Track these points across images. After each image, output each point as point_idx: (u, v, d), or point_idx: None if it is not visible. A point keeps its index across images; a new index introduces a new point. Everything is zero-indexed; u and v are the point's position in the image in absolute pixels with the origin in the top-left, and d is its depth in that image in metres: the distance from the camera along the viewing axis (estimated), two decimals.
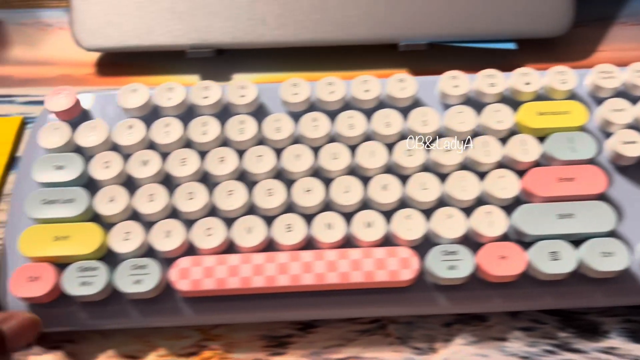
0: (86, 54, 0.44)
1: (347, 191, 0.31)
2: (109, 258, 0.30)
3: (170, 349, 0.30)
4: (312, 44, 0.41)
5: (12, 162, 0.38)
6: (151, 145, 0.33)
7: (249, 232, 0.30)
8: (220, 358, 0.30)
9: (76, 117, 0.34)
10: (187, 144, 0.33)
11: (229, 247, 0.30)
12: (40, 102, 0.41)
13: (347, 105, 0.34)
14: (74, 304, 0.29)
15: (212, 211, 0.31)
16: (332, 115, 0.33)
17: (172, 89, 0.34)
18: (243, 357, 0.30)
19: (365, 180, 0.31)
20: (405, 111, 0.33)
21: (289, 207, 0.31)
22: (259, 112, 0.34)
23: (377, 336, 0.31)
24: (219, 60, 0.43)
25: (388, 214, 0.30)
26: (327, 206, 0.31)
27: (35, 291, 0.28)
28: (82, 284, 0.29)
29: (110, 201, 0.30)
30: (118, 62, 0.44)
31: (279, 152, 0.32)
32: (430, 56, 0.42)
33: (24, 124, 0.40)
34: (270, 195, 0.30)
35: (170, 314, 0.29)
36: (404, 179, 0.31)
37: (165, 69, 0.43)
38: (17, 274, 0.29)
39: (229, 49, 0.41)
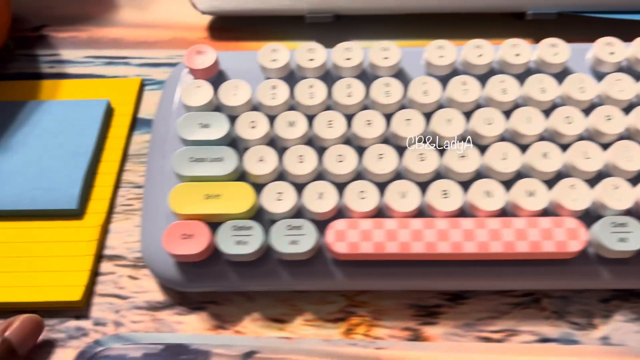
0: (197, 17, 0.43)
1: (505, 158, 0.29)
2: (259, 218, 0.29)
3: (316, 314, 0.30)
4: (433, 11, 0.39)
5: (134, 123, 0.38)
6: (292, 107, 0.32)
7: (403, 196, 0.29)
8: (369, 325, 0.29)
9: (213, 76, 0.33)
10: (330, 106, 0.32)
11: (379, 212, 0.29)
12: (156, 65, 0.41)
13: (493, 70, 0.33)
14: (224, 264, 0.29)
15: (360, 175, 0.30)
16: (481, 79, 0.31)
17: (312, 50, 0.33)
18: (392, 325, 0.29)
19: (522, 147, 0.30)
20: (556, 78, 0.31)
21: (441, 174, 0.30)
22: (400, 76, 0.33)
23: (531, 310, 0.29)
24: (334, 27, 0.42)
25: (548, 183, 0.29)
26: (483, 173, 0.30)
27: (189, 249, 0.28)
28: (237, 242, 0.28)
29: (260, 161, 0.30)
30: (230, 27, 0.43)
31: (428, 115, 0.31)
32: (557, 26, 0.40)
33: (142, 85, 0.40)
34: (422, 160, 0.29)
35: (320, 278, 0.29)
36: (562, 147, 0.29)
37: (278, 34, 0.42)
38: (169, 231, 0.28)
39: (347, 14, 0.40)
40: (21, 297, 0.30)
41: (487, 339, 0.29)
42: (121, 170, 0.35)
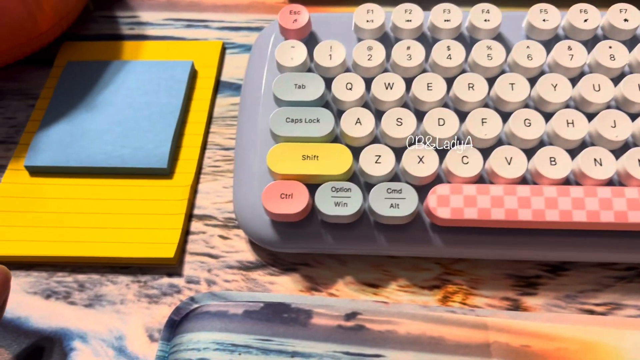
0: None
1: (614, 126, 0.28)
2: (354, 180, 0.29)
3: (410, 281, 0.29)
4: None
5: (217, 85, 0.37)
6: (386, 69, 0.31)
7: (509, 162, 0.28)
8: (466, 293, 0.29)
9: (305, 37, 0.33)
10: (426, 69, 0.31)
11: (480, 179, 0.28)
12: (235, 29, 0.40)
13: (597, 36, 0.31)
14: (320, 225, 0.29)
15: (460, 139, 0.29)
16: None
17: (410, 11, 0.32)
18: (490, 295, 0.28)
19: (632, 116, 0.28)
20: None
21: (547, 140, 0.29)
22: (499, 40, 0.32)
23: (636, 284, 0.28)
24: None
25: None
26: (591, 141, 0.28)
27: (289, 208, 0.27)
28: (336, 204, 0.27)
29: (357, 123, 0.29)
30: None
31: (531, 81, 0.30)
32: None
33: (224, 48, 0.39)
34: (528, 126, 0.28)
35: (418, 244, 0.28)
36: None
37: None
38: (269, 190, 0.28)
39: None
40: (116, 253, 0.30)
41: (591, 312, 0.28)
42: (207, 132, 0.35)
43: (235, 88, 0.37)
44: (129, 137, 0.33)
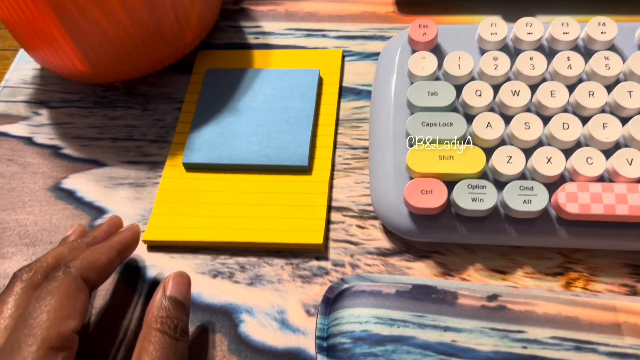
0: None
1: None
2: (485, 178, 0.32)
3: (535, 268, 0.32)
4: None
5: (340, 90, 0.41)
6: (509, 77, 0.34)
7: (630, 163, 0.31)
8: (586, 280, 0.32)
9: (432, 47, 0.36)
10: (546, 77, 0.34)
11: (600, 178, 0.32)
12: (352, 37, 0.44)
13: None
14: (455, 218, 0.32)
15: (579, 142, 0.32)
16: None
17: (530, 25, 0.35)
18: (609, 281, 0.32)
19: None
20: None
21: None
22: (614, 50, 0.34)
23: None
24: (519, 1, 0.44)
25: None
26: None
27: (429, 203, 0.31)
28: (473, 199, 0.31)
29: (488, 127, 0.32)
30: (416, 1, 0.46)
31: None
32: None
33: (343, 56, 0.43)
34: None
35: (546, 235, 0.31)
36: None
37: (463, 9, 0.44)
38: (410, 186, 0.32)
39: None
40: (271, 239, 0.34)
41: None
42: (336, 133, 0.39)
43: (356, 93, 0.41)
44: (272, 139, 0.38)
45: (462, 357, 0.27)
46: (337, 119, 0.40)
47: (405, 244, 0.34)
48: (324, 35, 0.45)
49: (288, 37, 0.45)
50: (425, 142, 0.33)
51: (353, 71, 0.42)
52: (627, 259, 0.32)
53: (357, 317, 0.29)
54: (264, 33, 0.46)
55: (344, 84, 0.42)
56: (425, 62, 0.35)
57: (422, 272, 0.33)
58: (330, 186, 0.37)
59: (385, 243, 0.34)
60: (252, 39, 0.45)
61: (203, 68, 0.43)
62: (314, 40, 0.44)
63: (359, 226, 0.35)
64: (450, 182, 0.32)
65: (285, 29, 0.46)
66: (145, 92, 0.43)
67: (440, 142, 0.33)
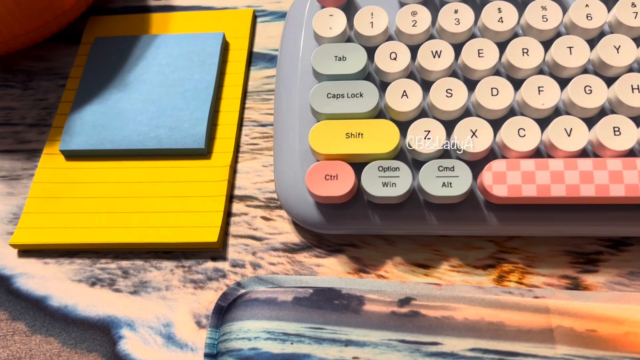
0: None
1: None
2: (402, 158, 0.27)
3: (463, 260, 0.28)
4: None
5: (250, 57, 0.36)
6: (433, 35, 0.29)
7: (569, 134, 0.26)
8: (522, 272, 0.27)
9: (342, 4, 0.31)
10: (476, 33, 0.29)
11: (537, 152, 0.27)
12: None
13: None
14: (367, 206, 0.27)
15: (513, 110, 0.27)
16: None
17: None
18: (548, 273, 0.27)
19: None
20: None
21: (610, 108, 0.27)
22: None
23: None
24: None
25: None
26: None
27: (335, 190, 0.26)
28: (384, 184, 0.26)
29: (403, 96, 0.27)
30: None
31: (591, 43, 0.27)
32: None
33: (255, 16, 0.37)
34: (589, 93, 0.26)
35: (472, 222, 0.27)
36: None
37: None
38: (312, 171, 0.27)
39: None
40: (159, 238, 0.29)
41: None
42: (242, 107, 0.34)
43: (269, 59, 0.36)
44: (164, 117, 0.32)
45: None
46: (245, 91, 0.34)
47: (316, 237, 0.29)
48: None
49: None
50: (333, 118, 0.28)
51: (266, 34, 0.37)
52: (569, 246, 0.28)
53: (246, 332, 0.24)
54: None
55: (255, 49, 0.36)
56: (333, 21, 0.29)
57: (333, 270, 0.28)
58: (233, 171, 0.32)
59: (293, 237, 0.29)
60: (152, 1, 0.39)
61: (93, 37, 0.37)
62: (222, 0, 0.38)
63: (264, 218, 0.30)
64: (361, 164, 0.27)
65: None
66: (28, 68, 0.37)
67: (349, 116, 0.28)
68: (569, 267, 0.27)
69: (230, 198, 0.31)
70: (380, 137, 0.27)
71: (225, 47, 0.35)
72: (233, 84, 0.34)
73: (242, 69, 0.35)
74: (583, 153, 0.27)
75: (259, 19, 0.38)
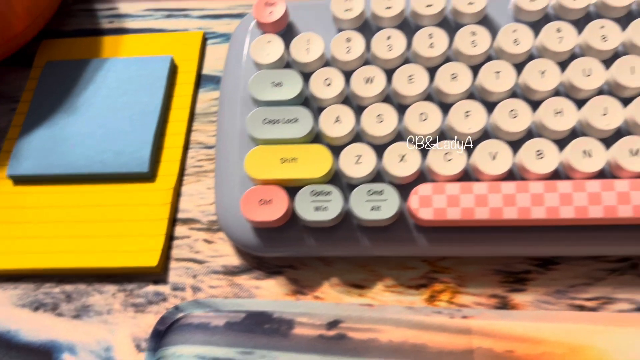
0: None
1: (605, 114, 0.27)
2: (336, 181, 0.28)
3: (396, 280, 0.29)
4: None
5: (199, 79, 0.36)
6: (368, 61, 0.30)
7: (493, 157, 0.27)
8: (453, 292, 0.28)
9: (283, 29, 0.31)
10: (409, 59, 0.30)
11: (465, 176, 0.27)
12: (217, 17, 0.39)
13: (589, 15, 0.29)
14: (302, 229, 0.28)
15: (444, 134, 0.28)
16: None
17: None
18: (478, 292, 0.28)
19: (625, 101, 0.27)
20: None
21: (534, 132, 0.28)
22: (485, 23, 0.30)
23: (628, 276, 0.27)
24: None
25: None
26: (581, 131, 0.27)
27: (268, 215, 0.27)
28: (316, 209, 0.27)
29: (336, 121, 0.28)
30: None
31: (518, 67, 0.28)
32: None
33: (205, 39, 0.38)
34: (514, 117, 0.27)
35: (402, 244, 0.28)
36: None
37: None
38: (247, 197, 0.27)
39: None
40: (98, 263, 0.30)
41: (581, 307, 0.27)
42: (189, 130, 0.34)
43: (217, 82, 0.36)
44: (110, 141, 0.33)
45: None
46: (192, 113, 0.35)
47: (256, 260, 0.30)
48: (186, 16, 0.39)
49: (147, 19, 0.40)
50: (269, 143, 0.28)
51: (215, 56, 0.37)
52: (498, 265, 0.28)
53: (178, 357, 0.25)
54: (119, 16, 0.40)
55: (205, 71, 0.37)
56: (270, 47, 0.30)
57: (271, 292, 0.29)
58: (177, 194, 0.32)
59: (234, 260, 0.30)
60: (106, 24, 0.40)
61: (45, 60, 0.38)
62: (174, 22, 0.39)
63: (206, 240, 0.31)
64: (296, 189, 0.28)
65: (144, 10, 0.40)
66: None
67: (285, 141, 0.28)
68: (499, 286, 0.28)
69: (174, 221, 0.31)
70: (314, 162, 0.28)
71: (173, 70, 0.36)
72: (180, 106, 0.35)
73: (189, 91, 0.35)
74: (510, 176, 0.27)
75: (209, 41, 0.38)
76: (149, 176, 0.32)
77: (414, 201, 0.26)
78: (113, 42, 0.38)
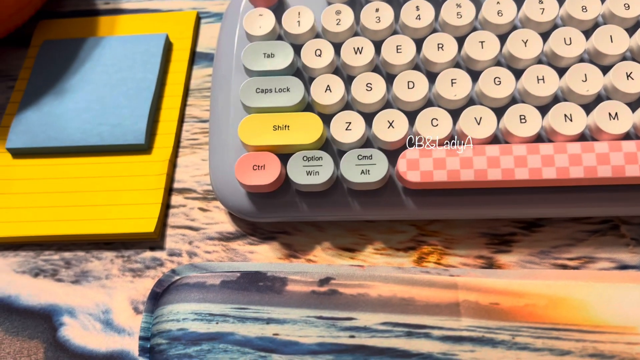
0: None
1: (585, 80, 0.28)
2: (327, 148, 0.29)
3: (386, 243, 0.30)
4: None
5: (193, 57, 0.37)
6: (357, 32, 0.31)
7: (478, 122, 0.28)
8: (440, 254, 0.29)
9: (274, 4, 0.32)
10: (397, 30, 0.31)
11: (452, 140, 0.28)
12: None
13: None
14: (295, 194, 0.29)
15: (430, 101, 0.29)
16: None
17: None
18: (464, 254, 0.29)
19: (603, 69, 0.28)
20: None
21: (517, 98, 0.29)
22: None
23: (609, 237, 0.29)
24: None
25: (631, 106, 0.27)
26: (562, 97, 0.28)
27: (262, 179, 0.28)
28: (308, 173, 0.28)
29: (327, 90, 0.29)
30: None
31: (502, 38, 0.29)
32: None
33: (199, 18, 0.39)
34: (498, 84, 0.28)
35: (391, 207, 0.28)
36: None
37: None
38: (241, 162, 0.28)
39: None
40: (99, 230, 0.30)
41: (564, 266, 0.28)
42: (184, 104, 0.35)
43: (211, 59, 0.37)
44: (107, 115, 0.34)
45: (283, 353, 0.24)
46: (187, 89, 0.36)
47: (250, 226, 0.31)
48: None
49: (141, 1, 0.40)
50: (261, 111, 0.29)
51: (209, 34, 0.38)
52: (484, 228, 0.29)
53: (175, 315, 0.26)
54: None
55: (198, 49, 0.38)
56: (262, 20, 0.31)
57: (265, 256, 0.30)
58: (173, 165, 0.33)
59: (229, 226, 0.31)
60: (101, 5, 0.41)
61: (42, 40, 0.38)
62: (169, 3, 0.40)
63: (201, 209, 0.32)
64: (288, 155, 0.29)
65: None
66: None
67: (277, 110, 0.29)
68: (485, 248, 0.29)
69: (170, 191, 0.32)
70: (305, 129, 0.28)
71: (168, 48, 0.37)
72: (175, 82, 0.36)
73: (184, 68, 0.36)
74: (494, 140, 0.28)
75: (203, 20, 0.39)
76: (145, 148, 0.33)
77: (402, 165, 0.27)
78: (109, 22, 0.39)
